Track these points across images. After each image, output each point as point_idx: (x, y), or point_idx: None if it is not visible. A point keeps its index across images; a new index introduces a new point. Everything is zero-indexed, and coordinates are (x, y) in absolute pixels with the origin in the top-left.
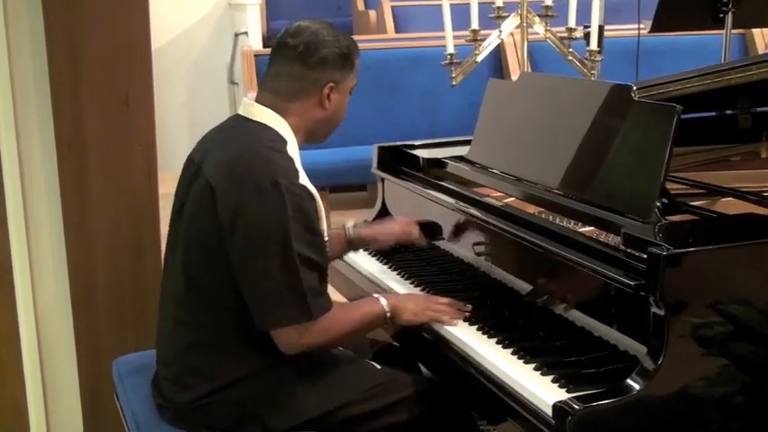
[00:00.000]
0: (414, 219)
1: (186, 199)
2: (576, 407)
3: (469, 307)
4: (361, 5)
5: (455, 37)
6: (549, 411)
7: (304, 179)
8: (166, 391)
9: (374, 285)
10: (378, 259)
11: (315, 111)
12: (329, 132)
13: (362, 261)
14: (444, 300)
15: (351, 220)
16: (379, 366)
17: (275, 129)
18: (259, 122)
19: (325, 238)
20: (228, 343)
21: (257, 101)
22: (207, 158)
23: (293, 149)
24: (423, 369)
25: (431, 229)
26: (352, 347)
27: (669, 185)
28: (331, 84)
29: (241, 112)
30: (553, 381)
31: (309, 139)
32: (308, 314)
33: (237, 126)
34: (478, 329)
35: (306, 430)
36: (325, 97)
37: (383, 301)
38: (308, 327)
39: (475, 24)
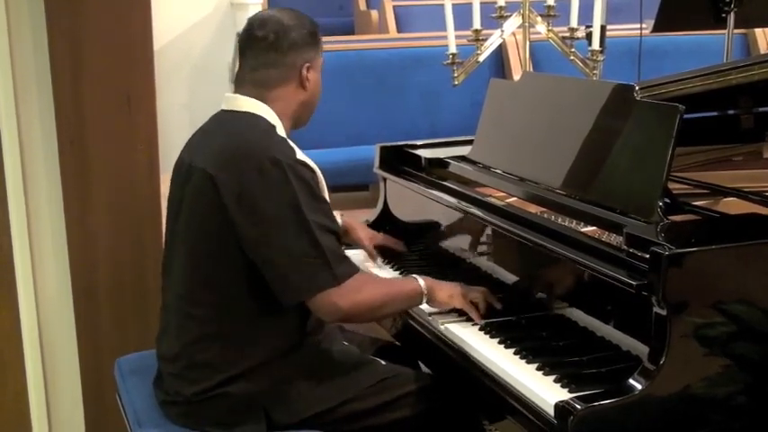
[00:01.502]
0: (378, 239)
1: (183, 197)
2: (578, 407)
3: (499, 305)
4: (362, 5)
5: (457, 37)
6: (551, 411)
7: (301, 155)
8: (171, 386)
9: None
10: (381, 259)
11: (297, 93)
12: (311, 113)
13: (363, 259)
14: (480, 289)
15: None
16: (383, 362)
17: (262, 115)
18: (245, 112)
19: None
20: (235, 335)
21: (242, 92)
22: (197, 154)
23: (282, 133)
24: (424, 368)
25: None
26: (356, 344)
27: (671, 185)
28: (307, 64)
29: (224, 107)
30: (555, 380)
31: (295, 124)
32: (335, 278)
33: (224, 120)
34: (480, 329)
35: (310, 425)
36: (305, 78)
37: (420, 280)
38: (341, 290)
39: (477, 24)
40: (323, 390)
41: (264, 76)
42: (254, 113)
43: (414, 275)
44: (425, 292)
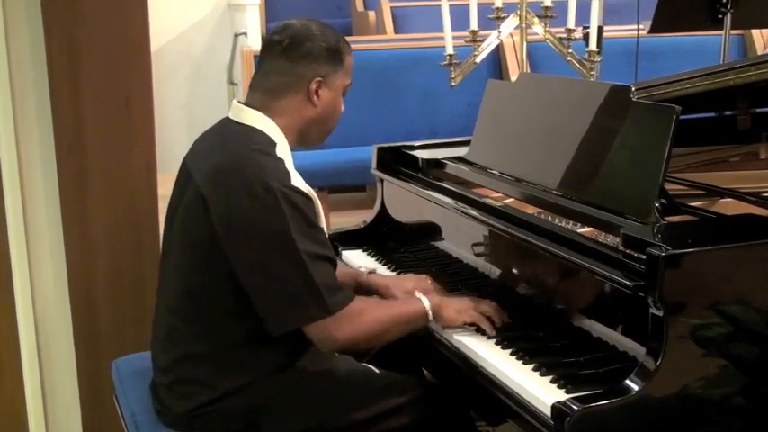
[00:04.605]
0: (428, 280)
1: (179, 205)
2: (575, 407)
3: (507, 319)
4: (360, 6)
5: (454, 38)
6: (548, 412)
7: (297, 180)
8: (163, 399)
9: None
10: (377, 259)
11: (305, 108)
12: (323, 134)
13: (360, 260)
14: (490, 304)
15: (372, 267)
16: (377, 370)
17: (263, 131)
18: (246, 125)
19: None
20: (225, 352)
21: (248, 102)
22: (197, 165)
23: (283, 151)
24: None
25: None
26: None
27: (668, 186)
28: (318, 78)
29: (230, 115)
30: (552, 381)
31: (302, 140)
32: (325, 309)
33: (226, 130)
34: (477, 330)
35: None
36: (313, 93)
37: (425, 301)
38: (335, 320)
39: (474, 25)
40: (316, 403)
41: (272, 84)
42: (255, 128)
43: (418, 295)
44: (430, 312)
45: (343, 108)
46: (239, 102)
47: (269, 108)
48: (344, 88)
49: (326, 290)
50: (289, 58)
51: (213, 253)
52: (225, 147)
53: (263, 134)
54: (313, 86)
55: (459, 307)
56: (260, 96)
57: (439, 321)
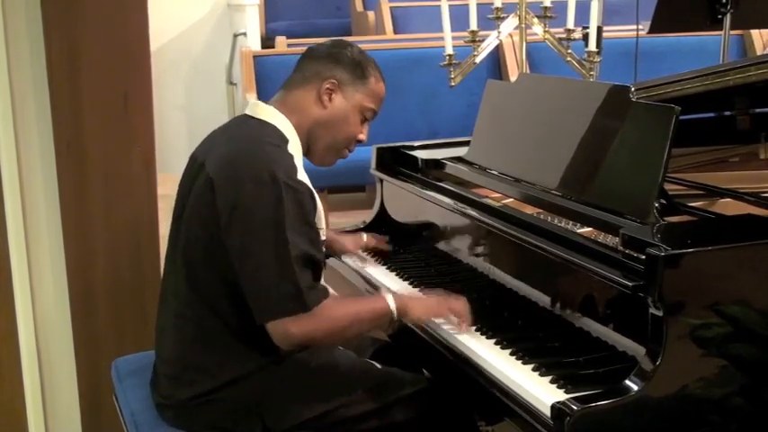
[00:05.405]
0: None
1: (188, 196)
2: (575, 407)
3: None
4: (359, 6)
5: (454, 38)
6: (548, 412)
7: (302, 176)
8: (166, 389)
9: (372, 286)
10: (376, 260)
11: (314, 107)
12: (330, 146)
13: (359, 261)
14: (459, 300)
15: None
16: (379, 366)
17: (277, 126)
18: (261, 120)
19: (323, 237)
20: (229, 340)
21: (270, 99)
22: (209, 155)
23: (294, 148)
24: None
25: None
26: (353, 347)
27: (668, 186)
28: (333, 80)
29: (247, 111)
30: (552, 381)
31: (309, 144)
32: (303, 306)
33: (240, 124)
34: (477, 330)
35: (305, 429)
36: (324, 92)
37: (389, 298)
38: (303, 318)
39: (473, 25)
40: (317, 395)
41: (292, 79)
42: (269, 123)
43: (385, 294)
44: (394, 312)
45: (363, 136)
46: (257, 100)
47: (284, 101)
48: (364, 109)
49: (306, 287)
50: (314, 58)
51: (216, 239)
52: (238, 138)
53: (276, 129)
54: (326, 86)
55: (426, 309)
56: (280, 92)
57: (405, 320)
